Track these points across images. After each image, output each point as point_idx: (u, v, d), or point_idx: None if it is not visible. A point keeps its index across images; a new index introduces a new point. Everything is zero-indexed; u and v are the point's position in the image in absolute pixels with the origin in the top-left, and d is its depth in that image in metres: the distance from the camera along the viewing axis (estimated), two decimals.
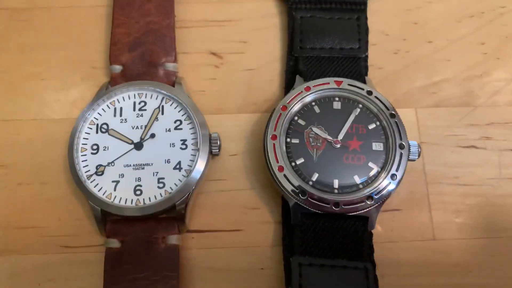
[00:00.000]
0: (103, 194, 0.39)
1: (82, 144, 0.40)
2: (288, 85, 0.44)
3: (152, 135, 0.40)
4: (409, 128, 0.41)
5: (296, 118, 0.40)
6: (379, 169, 0.38)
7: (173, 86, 0.42)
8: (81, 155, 0.40)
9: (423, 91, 0.45)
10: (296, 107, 0.40)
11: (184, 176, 0.39)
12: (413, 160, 0.39)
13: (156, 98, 0.42)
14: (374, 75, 0.44)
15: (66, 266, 0.40)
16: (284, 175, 0.38)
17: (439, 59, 0.46)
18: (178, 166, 0.40)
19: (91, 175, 0.39)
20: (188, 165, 0.40)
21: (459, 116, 0.44)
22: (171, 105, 0.41)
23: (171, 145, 0.40)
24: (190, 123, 0.41)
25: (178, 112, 0.41)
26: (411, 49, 0.46)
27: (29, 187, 0.42)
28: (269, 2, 0.48)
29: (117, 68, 0.43)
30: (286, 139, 0.39)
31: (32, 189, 0.42)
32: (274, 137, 0.39)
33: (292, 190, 0.38)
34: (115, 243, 0.39)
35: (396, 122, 0.39)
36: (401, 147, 0.39)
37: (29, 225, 0.41)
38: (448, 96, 0.45)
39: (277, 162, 0.38)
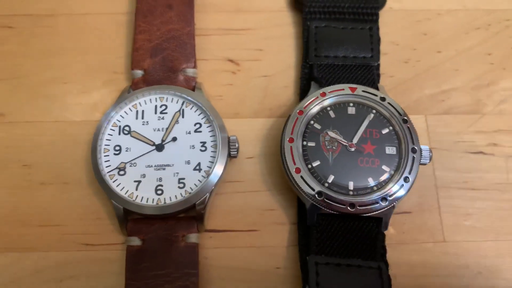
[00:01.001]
0: (125, 193, 0.40)
1: (105, 145, 0.42)
2: (303, 91, 0.45)
3: (174, 139, 0.41)
4: (419, 134, 0.42)
5: (312, 122, 0.41)
6: (393, 172, 0.40)
7: (193, 90, 0.44)
8: (104, 156, 0.41)
9: (433, 98, 0.46)
10: (312, 111, 0.42)
11: (203, 177, 0.41)
12: (425, 164, 0.41)
13: (177, 102, 0.43)
14: (386, 83, 0.46)
15: (87, 263, 0.41)
16: (301, 177, 0.39)
17: (448, 69, 0.47)
18: (198, 167, 0.41)
19: (113, 175, 0.41)
20: (207, 166, 0.41)
21: (467, 123, 0.46)
22: (191, 108, 0.43)
23: (191, 147, 0.42)
24: (209, 126, 0.42)
25: (198, 115, 0.43)
26: (421, 58, 0.48)
27: (51, 187, 0.43)
28: (284, 13, 0.50)
29: (139, 73, 0.44)
30: (302, 142, 0.41)
31: (54, 188, 0.43)
32: (291, 140, 0.41)
33: (309, 191, 0.39)
34: (136, 241, 0.40)
35: (408, 127, 0.41)
36: (414, 151, 0.40)
37: (51, 224, 0.42)
38: (457, 104, 0.46)
39: (294, 164, 0.40)
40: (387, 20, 0.49)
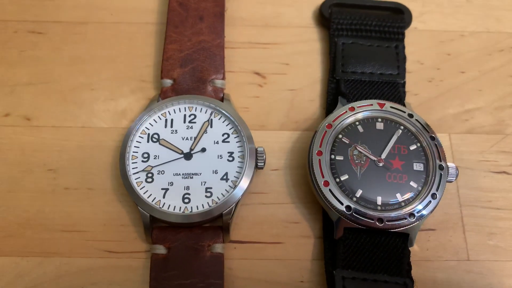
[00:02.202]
0: (152, 201, 0.40)
1: (133, 152, 0.42)
2: (329, 106, 0.46)
3: (203, 150, 0.42)
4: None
5: (340, 136, 0.42)
6: (420, 188, 0.40)
7: (222, 101, 0.44)
8: (132, 162, 0.42)
9: (456, 118, 0.47)
10: (341, 125, 0.42)
11: (230, 187, 0.41)
12: (451, 182, 0.41)
13: (206, 112, 0.43)
14: (410, 100, 0.47)
15: (109, 270, 0.41)
16: (329, 190, 0.39)
17: (471, 89, 0.48)
18: (225, 177, 0.41)
19: (141, 182, 0.41)
20: (234, 177, 0.41)
21: (490, 143, 0.46)
22: (219, 119, 0.43)
23: (219, 157, 0.42)
24: (237, 136, 0.43)
25: (226, 126, 0.43)
26: (445, 78, 0.48)
27: (76, 192, 0.43)
28: (311, 28, 0.50)
29: (168, 82, 0.45)
30: (330, 155, 0.41)
31: (78, 194, 0.43)
32: (319, 153, 0.41)
33: (337, 205, 0.39)
34: (161, 249, 0.40)
35: (435, 144, 0.41)
36: (441, 168, 0.40)
37: (74, 229, 0.42)
38: (480, 123, 0.47)
39: (323, 177, 0.40)
40: (412, 40, 0.49)
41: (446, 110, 0.47)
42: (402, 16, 0.48)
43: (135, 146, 0.42)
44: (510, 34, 0.50)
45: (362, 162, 0.41)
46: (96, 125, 0.46)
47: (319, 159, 0.40)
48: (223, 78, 0.45)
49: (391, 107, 0.43)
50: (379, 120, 0.42)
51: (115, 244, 0.42)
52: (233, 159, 0.42)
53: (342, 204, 0.39)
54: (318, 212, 0.43)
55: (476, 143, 0.46)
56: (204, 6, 0.47)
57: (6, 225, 0.42)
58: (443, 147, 0.43)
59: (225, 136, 0.43)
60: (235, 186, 0.41)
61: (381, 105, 0.43)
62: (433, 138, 0.41)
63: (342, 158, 0.41)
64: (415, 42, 0.50)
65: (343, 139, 0.42)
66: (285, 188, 0.44)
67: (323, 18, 0.49)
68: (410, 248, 0.40)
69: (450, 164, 0.41)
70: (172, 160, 0.41)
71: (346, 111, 0.42)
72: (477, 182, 0.45)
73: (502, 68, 0.49)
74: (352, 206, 0.39)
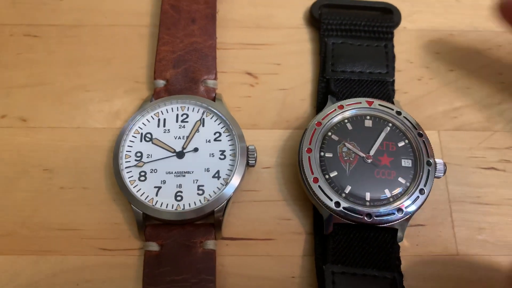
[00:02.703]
0: (145, 199, 0.41)
1: (127, 151, 0.43)
2: (320, 104, 0.47)
3: (196, 149, 0.42)
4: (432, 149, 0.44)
5: (329, 133, 0.43)
6: (408, 184, 0.41)
7: (213, 101, 0.45)
8: (125, 161, 0.42)
9: (445, 115, 0.48)
10: (330, 123, 0.43)
11: (222, 184, 0.42)
12: (439, 177, 0.42)
13: (198, 111, 0.44)
14: (400, 99, 0.48)
15: (104, 268, 0.42)
16: (319, 186, 0.40)
17: (460, 87, 0.49)
18: (217, 175, 0.42)
19: (134, 180, 0.42)
20: (226, 174, 0.42)
21: (479, 139, 0.47)
22: (211, 118, 0.44)
23: (211, 155, 0.43)
24: (228, 135, 0.43)
25: (218, 125, 0.44)
26: (434, 76, 0.49)
27: (71, 191, 0.44)
28: (302, 29, 0.51)
29: (161, 82, 0.46)
30: (320, 152, 0.42)
31: (74, 193, 0.44)
32: (309, 150, 0.42)
33: (327, 201, 0.40)
34: (154, 247, 0.41)
35: (423, 141, 0.42)
36: (429, 164, 0.41)
37: (69, 227, 0.43)
38: (469, 120, 0.47)
39: (312, 173, 0.41)
40: (401, 39, 0.50)
41: (435, 108, 0.48)
42: (391, 16, 0.49)
43: (128, 146, 0.43)
44: (498, 33, 0.51)
45: (351, 159, 0.42)
46: (91, 125, 0.47)
47: (309, 156, 0.41)
48: (215, 78, 0.46)
49: (379, 104, 0.43)
50: (368, 117, 0.43)
51: (110, 242, 0.43)
52: (225, 157, 0.43)
53: (331, 200, 0.40)
54: (309, 209, 0.44)
55: (464, 140, 0.47)
56: (196, 8, 0.48)
57: (3, 225, 0.43)
58: (432, 144, 0.44)
59: (217, 135, 0.44)
60: (227, 184, 0.41)
61: (370, 103, 0.43)
62: (421, 135, 0.42)
63: (331, 155, 0.42)
64: (405, 41, 0.50)
65: (332, 137, 0.42)
66: (277, 185, 0.45)
67: (313, 19, 0.50)
68: (400, 243, 0.41)
69: (438, 160, 0.42)
70: (164, 158, 0.42)
71: (335, 109, 0.43)
72: (466, 178, 0.45)
73: (490, 66, 0.50)
74: (341, 202, 0.40)
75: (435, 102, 0.48)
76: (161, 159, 0.42)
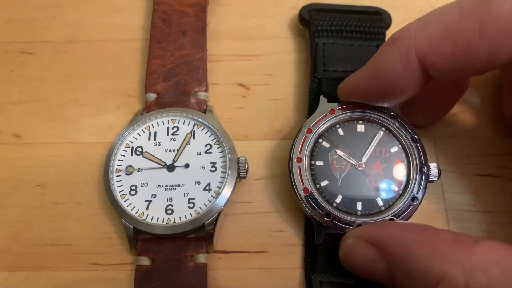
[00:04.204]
0: (136, 213, 0.41)
1: (117, 165, 0.43)
2: (311, 106, 0.45)
3: (187, 165, 0.42)
4: (428, 157, 0.43)
5: (320, 140, 0.42)
6: (401, 192, 0.40)
7: (204, 113, 0.45)
8: (116, 176, 0.42)
9: (441, 122, 0.47)
10: (321, 129, 0.42)
11: (213, 197, 0.41)
12: (433, 182, 0.41)
13: (188, 124, 0.44)
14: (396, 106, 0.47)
15: (96, 283, 0.41)
16: (310, 197, 0.40)
17: None
18: (207, 188, 0.42)
19: (125, 195, 0.41)
20: (217, 187, 0.42)
21: (475, 146, 0.46)
22: (202, 130, 0.44)
23: (202, 168, 0.42)
24: (219, 147, 0.43)
25: (209, 137, 0.44)
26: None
27: (63, 206, 0.44)
28: (292, 39, 0.51)
29: (152, 96, 0.46)
30: (310, 161, 0.41)
31: (66, 208, 0.44)
32: (299, 160, 0.41)
33: (317, 212, 0.39)
34: (145, 261, 0.40)
35: (417, 146, 0.41)
36: (422, 170, 0.40)
37: (61, 243, 0.43)
38: (465, 127, 0.47)
39: (303, 184, 0.40)
40: None
41: None
42: (382, 17, 0.49)
43: (119, 160, 0.43)
44: None
45: (343, 166, 0.41)
46: (83, 140, 0.47)
47: (299, 166, 0.41)
48: (206, 91, 0.46)
49: (372, 107, 0.42)
50: (360, 122, 0.42)
51: (102, 256, 0.42)
52: (216, 169, 0.42)
53: (322, 211, 0.39)
54: (302, 220, 0.43)
55: (461, 147, 0.46)
56: (186, 21, 0.48)
57: None
58: (428, 151, 0.43)
59: (208, 147, 0.43)
60: (217, 196, 0.41)
61: (363, 107, 0.42)
62: (415, 140, 0.41)
63: (322, 164, 0.41)
64: None
65: (323, 144, 0.42)
66: (269, 197, 0.44)
67: (303, 21, 0.49)
68: None
69: (431, 164, 0.41)
70: (154, 168, 0.42)
71: (326, 114, 0.42)
72: (462, 185, 0.44)
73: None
74: (332, 212, 0.39)
75: None
76: (151, 168, 0.42)
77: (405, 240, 0.33)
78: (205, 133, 0.44)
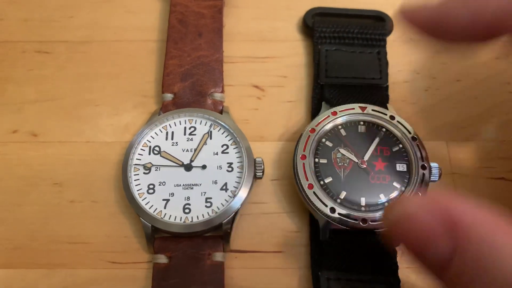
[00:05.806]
0: (154, 212, 0.41)
1: (135, 164, 0.43)
2: (314, 110, 0.47)
3: (204, 166, 0.43)
4: (440, 160, 0.44)
5: (324, 140, 0.43)
6: (403, 189, 0.41)
7: (221, 114, 0.45)
8: (134, 174, 0.43)
9: (453, 125, 0.47)
10: (324, 129, 0.43)
11: (230, 196, 0.42)
12: (434, 181, 0.42)
13: (205, 124, 0.45)
14: (407, 109, 0.48)
15: (113, 281, 0.42)
16: (314, 193, 0.40)
17: (467, 97, 0.49)
18: (224, 187, 0.42)
19: (143, 193, 0.42)
20: (234, 187, 0.42)
21: (487, 149, 0.47)
22: (218, 130, 0.44)
23: (218, 167, 0.43)
24: (236, 147, 0.44)
25: (225, 137, 0.44)
26: (441, 86, 0.49)
27: (81, 205, 0.45)
28: (305, 42, 0.52)
29: (169, 96, 0.46)
30: (314, 159, 0.42)
31: (83, 206, 0.44)
32: (303, 157, 0.42)
33: (322, 207, 0.40)
34: (163, 259, 0.41)
35: (417, 145, 0.42)
36: (423, 168, 0.41)
37: (79, 241, 0.43)
38: (477, 130, 0.47)
39: (307, 180, 0.41)
40: (407, 50, 0.50)
41: (443, 118, 0.48)
42: (384, 24, 0.49)
43: (137, 159, 0.43)
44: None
45: (346, 164, 0.42)
46: (100, 139, 0.47)
47: (303, 163, 0.41)
48: (222, 92, 0.47)
49: (372, 110, 0.44)
50: (361, 123, 0.44)
51: (119, 255, 0.43)
52: (232, 169, 0.43)
53: (326, 206, 0.40)
54: None
55: (473, 150, 0.47)
56: (203, 22, 0.49)
57: (13, 238, 0.43)
58: (441, 155, 0.44)
59: (224, 147, 0.44)
60: (234, 196, 0.41)
61: (363, 109, 0.44)
62: (415, 139, 0.42)
63: (325, 161, 0.42)
64: (411, 53, 0.51)
65: (326, 143, 0.43)
66: (285, 197, 0.45)
67: (307, 28, 0.50)
68: (397, 248, 0.40)
69: (433, 164, 0.42)
70: (172, 167, 0.43)
71: (329, 116, 0.44)
72: (475, 188, 0.45)
73: (498, 76, 0.50)
74: (337, 208, 0.40)
75: (442, 113, 0.48)
76: (168, 166, 0.43)
77: (493, 228, 0.25)
78: (222, 134, 0.44)
